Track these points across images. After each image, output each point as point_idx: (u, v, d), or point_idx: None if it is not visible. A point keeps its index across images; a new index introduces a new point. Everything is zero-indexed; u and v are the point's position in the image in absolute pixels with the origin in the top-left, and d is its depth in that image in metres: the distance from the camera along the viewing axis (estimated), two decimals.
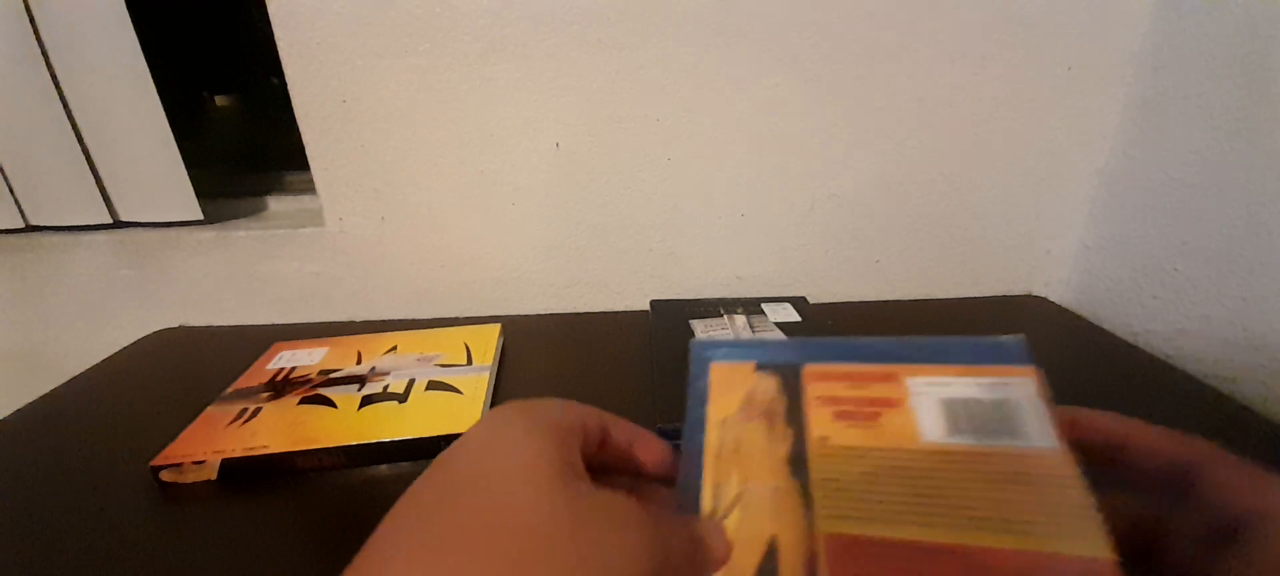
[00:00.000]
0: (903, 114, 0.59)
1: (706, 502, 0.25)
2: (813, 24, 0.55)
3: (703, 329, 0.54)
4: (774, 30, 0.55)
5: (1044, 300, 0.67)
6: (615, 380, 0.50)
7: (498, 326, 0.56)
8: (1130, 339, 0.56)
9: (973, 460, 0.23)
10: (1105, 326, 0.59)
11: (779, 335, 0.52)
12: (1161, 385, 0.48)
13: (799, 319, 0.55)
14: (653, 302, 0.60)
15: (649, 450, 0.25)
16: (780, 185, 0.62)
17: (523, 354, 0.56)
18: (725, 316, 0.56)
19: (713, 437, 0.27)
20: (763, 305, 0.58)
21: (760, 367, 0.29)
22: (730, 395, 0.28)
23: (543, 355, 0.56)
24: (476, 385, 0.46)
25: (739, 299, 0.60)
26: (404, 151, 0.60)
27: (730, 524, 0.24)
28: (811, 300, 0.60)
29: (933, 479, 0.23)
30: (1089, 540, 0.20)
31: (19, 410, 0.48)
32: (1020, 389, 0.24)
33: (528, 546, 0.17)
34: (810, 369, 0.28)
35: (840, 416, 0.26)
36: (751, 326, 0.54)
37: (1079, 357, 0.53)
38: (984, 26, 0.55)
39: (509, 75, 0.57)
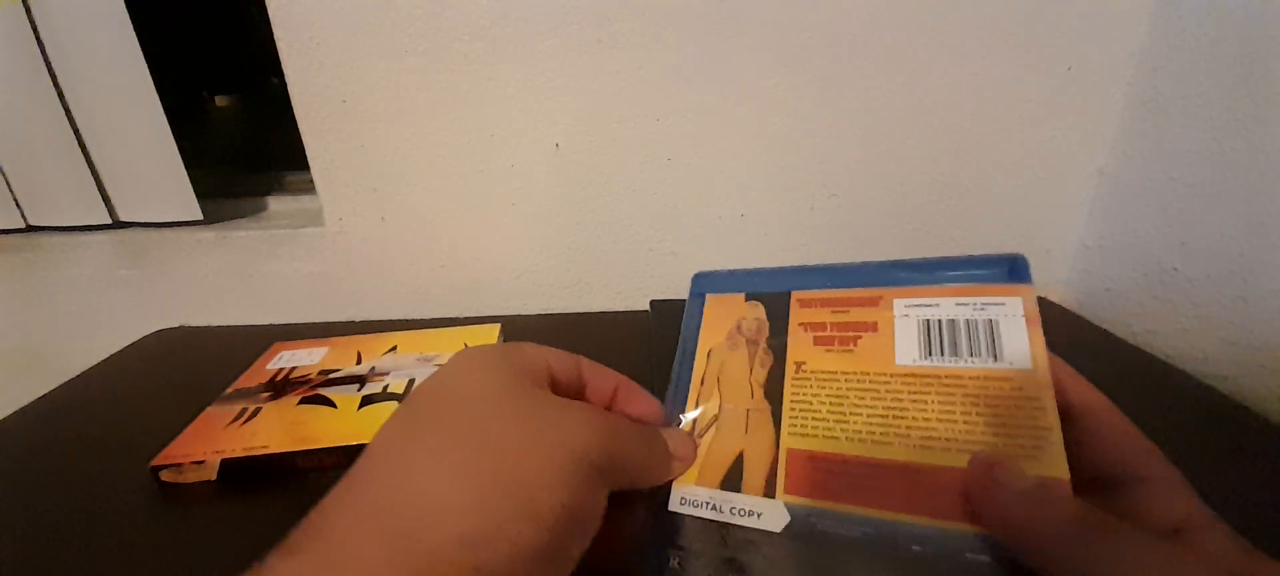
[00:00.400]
0: (902, 114, 0.59)
1: (687, 424, 0.27)
2: (813, 24, 0.55)
3: None
4: (774, 30, 0.55)
5: (1043, 300, 0.66)
6: None
7: (498, 326, 0.56)
8: (1130, 339, 0.56)
9: (941, 382, 0.24)
10: (1105, 326, 0.58)
11: None
12: (1161, 385, 0.48)
13: None
14: (653, 302, 0.60)
15: (636, 402, 0.27)
16: (780, 185, 0.62)
17: None
18: None
19: (700, 366, 0.29)
20: None
21: (750, 297, 0.31)
22: (721, 325, 0.30)
23: None
24: None
25: None
26: (404, 151, 0.60)
27: (706, 439, 0.26)
28: None
29: (897, 401, 0.24)
30: (1044, 461, 0.20)
31: (19, 410, 0.48)
32: (1006, 308, 0.25)
33: (480, 433, 0.19)
34: (798, 295, 0.29)
35: (820, 342, 0.27)
36: None
37: (1079, 358, 0.52)
38: (984, 26, 0.55)
39: (509, 75, 0.57)
